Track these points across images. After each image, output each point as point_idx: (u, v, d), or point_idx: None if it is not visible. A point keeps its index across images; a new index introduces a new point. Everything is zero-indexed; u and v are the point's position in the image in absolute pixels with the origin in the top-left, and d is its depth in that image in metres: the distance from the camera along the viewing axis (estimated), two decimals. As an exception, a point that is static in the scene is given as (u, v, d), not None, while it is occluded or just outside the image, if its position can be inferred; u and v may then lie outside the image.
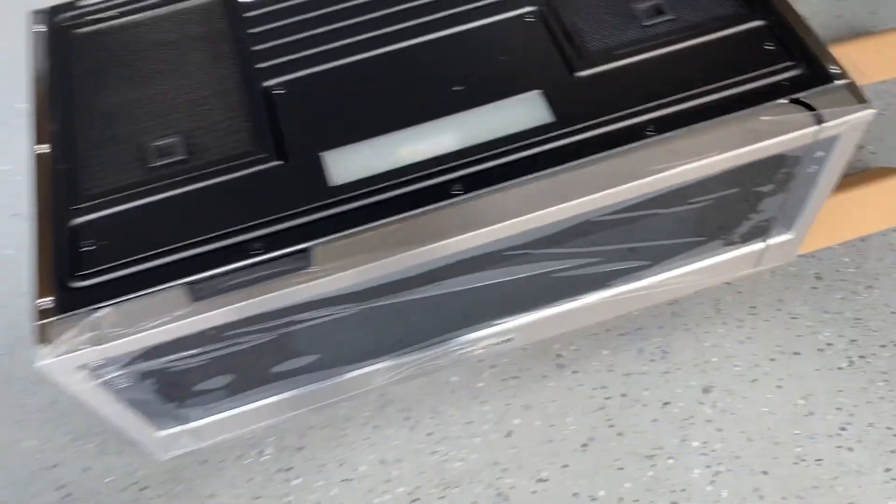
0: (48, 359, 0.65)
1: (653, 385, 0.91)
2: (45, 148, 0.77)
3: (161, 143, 0.76)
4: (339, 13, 0.83)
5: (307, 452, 0.90)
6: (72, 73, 0.83)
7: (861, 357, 0.91)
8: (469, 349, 0.87)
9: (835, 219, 0.98)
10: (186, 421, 0.82)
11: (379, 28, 0.81)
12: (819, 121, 0.71)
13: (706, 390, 0.90)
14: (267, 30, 0.82)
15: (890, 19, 1.18)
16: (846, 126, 0.72)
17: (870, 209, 0.99)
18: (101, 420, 0.75)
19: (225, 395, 0.80)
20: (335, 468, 0.89)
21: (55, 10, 0.88)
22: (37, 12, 0.89)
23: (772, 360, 0.92)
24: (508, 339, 0.88)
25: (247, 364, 0.77)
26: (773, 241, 0.87)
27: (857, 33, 1.17)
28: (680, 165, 0.70)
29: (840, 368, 0.90)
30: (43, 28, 0.87)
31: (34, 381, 0.98)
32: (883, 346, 0.91)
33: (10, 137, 1.20)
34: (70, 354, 0.65)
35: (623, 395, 0.91)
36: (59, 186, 0.74)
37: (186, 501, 0.88)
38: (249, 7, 0.84)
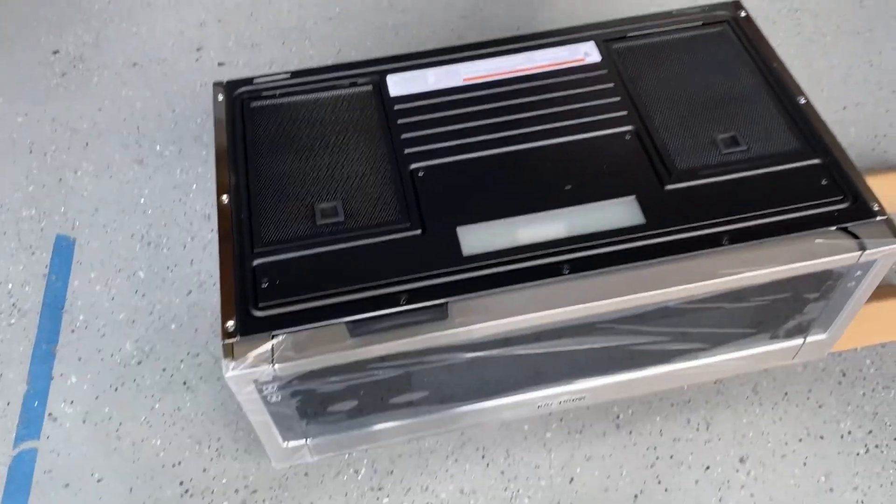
0: (233, 371, 0.81)
1: (697, 451, 1.06)
2: (226, 198, 0.95)
3: (325, 205, 0.93)
4: (474, 114, 1.01)
5: (396, 476, 1.05)
6: (247, 138, 1.01)
7: (876, 446, 1.06)
8: (547, 403, 1.02)
9: (861, 325, 1.14)
10: (307, 436, 0.97)
11: (507, 130, 0.99)
12: (861, 248, 0.88)
13: (742, 460, 1.05)
14: (412, 122, 1.01)
15: (891, 153, 1.37)
16: (883, 254, 0.89)
17: (892, 320, 1.15)
18: (250, 425, 0.90)
19: (345, 417, 0.96)
20: (419, 492, 1.04)
21: (232, 85, 1.07)
22: (217, 84, 1.07)
23: (800, 440, 1.07)
24: (581, 398, 1.04)
25: (372, 393, 0.92)
26: (811, 339, 1.04)
27: (890, 166, 1.36)
28: (747, 272, 0.86)
29: (858, 454, 1.05)
30: (222, 98, 1.06)
31: (161, 388, 1.14)
32: (896, 440, 1.07)
33: (152, 174, 1.38)
34: (250, 370, 0.82)
35: (671, 457, 1.06)
36: (241, 230, 0.91)
37: (291, 506, 1.03)
38: (399, 101, 1.03)
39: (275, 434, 0.94)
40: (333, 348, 0.82)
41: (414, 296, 0.85)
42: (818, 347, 1.06)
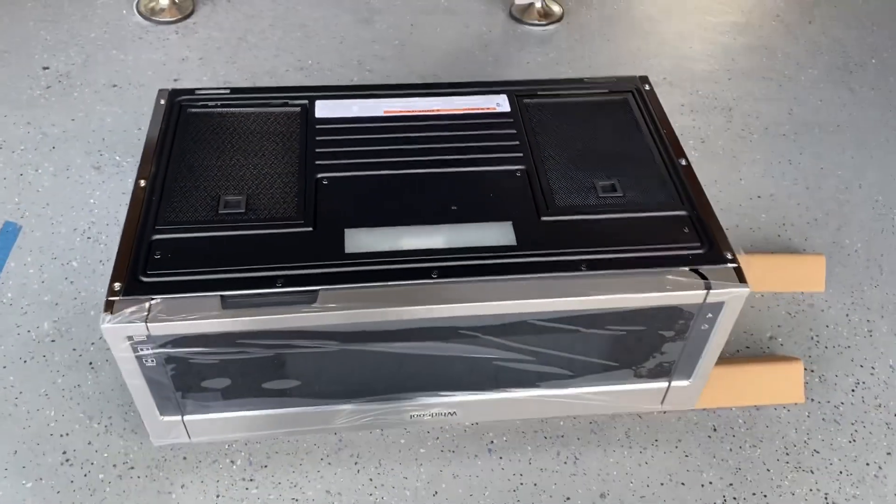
0: (109, 324, 0.88)
1: (560, 482, 1.10)
2: (143, 182, 1.04)
3: (230, 197, 1.02)
4: (384, 140, 1.11)
5: (269, 471, 1.09)
6: (176, 137, 1.11)
7: (734, 498, 1.09)
8: (419, 413, 1.07)
9: (737, 386, 1.20)
10: (183, 412, 1.02)
11: (411, 156, 1.09)
12: (708, 288, 0.95)
13: (602, 496, 1.09)
14: (328, 139, 1.11)
15: (794, 241, 1.45)
16: (728, 297, 0.96)
17: (766, 385, 1.21)
18: (127, 389, 0.96)
19: (220, 397, 1.01)
20: (288, 488, 1.08)
21: (175, 92, 1.18)
22: (162, 90, 1.19)
23: (661, 484, 1.11)
24: (452, 413, 1.09)
25: (244, 373, 0.98)
26: (675, 383, 1.09)
27: (792, 251, 1.44)
28: (596, 295, 0.94)
29: (714, 503, 1.09)
30: (164, 103, 1.17)
31: (67, 366, 1.20)
32: (754, 494, 1.10)
33: (106, 180, 1.48)
34: (124, 324, 0.88)
35: (535, 485, 1.10)
36: (149, 210, 1.00)
37: (162, 485, 1.07)
38: (322, 122, 1.14)
39: (151, 404, 1.00)
40: (204, 315, 0.89)
41: (290, 281, 0.93)
42: (685, 395, 1.11)
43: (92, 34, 1.84)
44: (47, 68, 1.73)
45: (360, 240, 0.98)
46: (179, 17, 1.89)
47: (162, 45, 1.82)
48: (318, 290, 0.92)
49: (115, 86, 1.69)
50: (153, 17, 1.88)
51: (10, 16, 1.87)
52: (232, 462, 1.10)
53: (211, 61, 1.78)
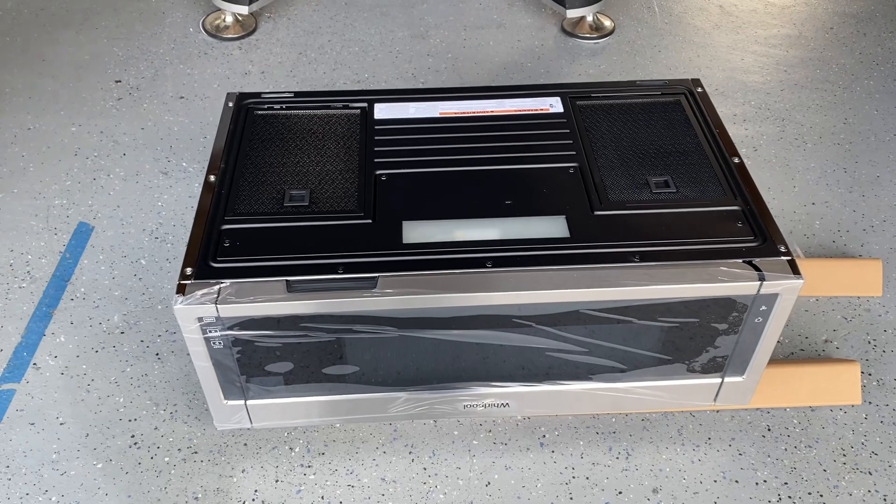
0: (181, 304, 0.93)
1: (612, 476, 1.11)
2: (212, 178, 1.10)
3: (294, 192, 1.07)
4: (441, 139, 1.15)
5: (326, 458, 1.12)
6: (244, 137, 1.17)
7: (789, 497, 1.08)
8: (473, 403, 1.10)
9: (791, 386, 1.19)
10: (246, 397, 1.07)
11: (467, 154, 1.12)
12: (761, 279, 0.96)
13: (655, 491, 1.09)
14: (387, 139, 1.15)
15: (850, 247, 1.44)
16: (782, 288, 0.97)
17: (822, 385, 1.20)
18: (195, 371, 1.00)
19: (282, 382, 1.05)
20: (344, 474, 1.10)
21: (243, 96, 1.24)
22: (230, 94, 1.25)
23: (714, 481, 1.10)
24: (505, 404, 1.10)
25: (306, 358, 1.02)
26: (728, 379, 1.09)
27: (825, 253, 1.43)
28: (649, 285, 0.95)
29: (769, 502, 1.08)
30: (231, 105, 1.23)
31: (135, 356, 1.25)
32: (809, 494, 1.09)
33: (173, 184, 1.55)
34: (194, 305, 0.93)
35: (587, 478, 1.10)
36: (218, 202, 1.05)
37: (224, 468, 1.11)
38: (380, 123, 1.18)
39: (217, 387, 1.04)
40: (270, 298, 0.94)
41: (351, 268, 0.97)
42: (738, 391, 1.11)
43: (161, 50, 1.93)
44: (119, 81, 1.83)
45: (417, 231, 1.02)
46: (243, 33, 1.97)
47: (226, 59, 1.90)
48: (378, 276, 0.96)
49: (181, 98, 1.78)
50: (218, 34, 1.97)
51: (86, 34, 1.98)
52: (291, 449, 1.14)
53: (272, 74, 1.85)
